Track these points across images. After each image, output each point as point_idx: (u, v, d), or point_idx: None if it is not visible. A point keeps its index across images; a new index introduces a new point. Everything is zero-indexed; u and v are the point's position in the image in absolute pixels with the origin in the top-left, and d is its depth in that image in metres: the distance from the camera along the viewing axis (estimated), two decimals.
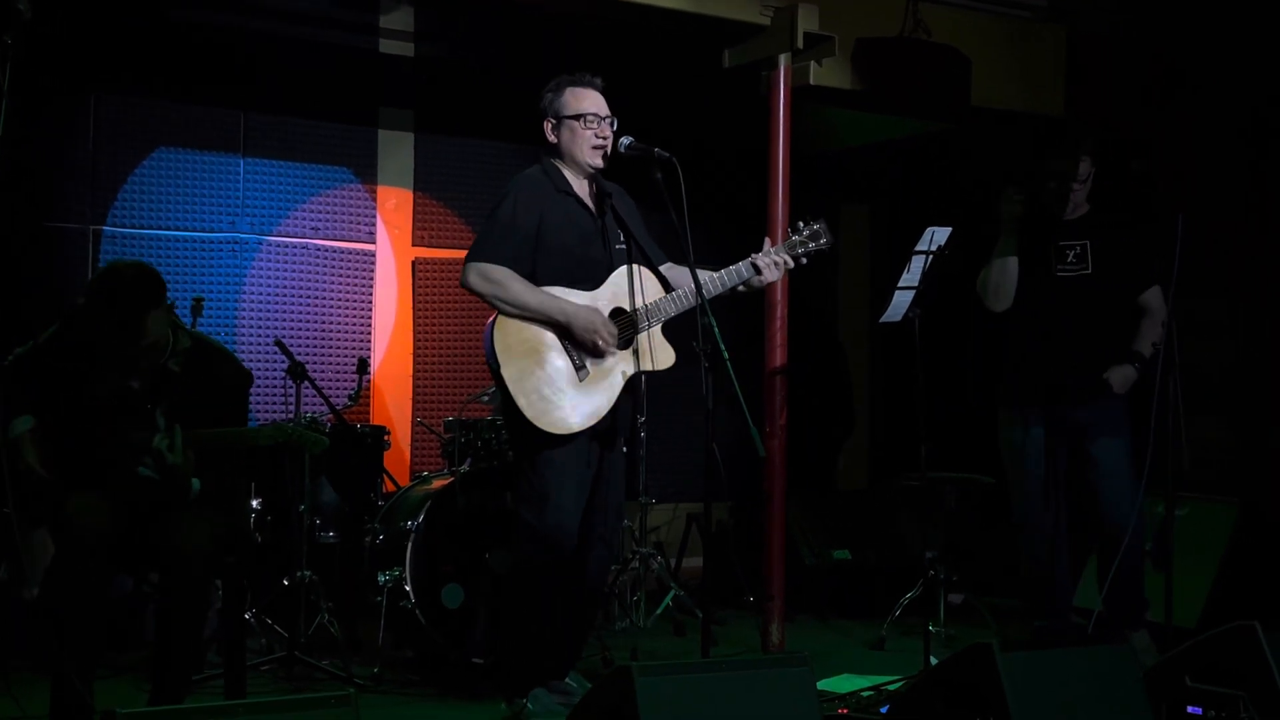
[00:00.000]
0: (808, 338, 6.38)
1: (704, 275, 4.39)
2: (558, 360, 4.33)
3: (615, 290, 4.46)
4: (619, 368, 4.41)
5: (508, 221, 4.36)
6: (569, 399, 4.31)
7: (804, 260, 4.58)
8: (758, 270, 4.50)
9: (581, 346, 4.33)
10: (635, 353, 4.44)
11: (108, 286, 4.06)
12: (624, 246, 4.52)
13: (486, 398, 5.75)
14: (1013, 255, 5.22)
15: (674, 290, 4.51)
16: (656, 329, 4.49)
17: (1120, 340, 5.22)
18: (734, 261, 4.53)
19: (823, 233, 4.58)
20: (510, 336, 4.30)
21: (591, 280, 4.42)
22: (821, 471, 8.09)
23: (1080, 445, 5.21)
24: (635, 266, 4.50)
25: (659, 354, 4.50)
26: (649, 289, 4.51)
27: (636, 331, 4.44)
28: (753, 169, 5.91)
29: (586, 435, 4.38)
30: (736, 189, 6.79)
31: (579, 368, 4.34)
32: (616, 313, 4.44)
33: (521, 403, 4.27)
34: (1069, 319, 5.18)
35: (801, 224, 4.60)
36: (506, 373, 4.28)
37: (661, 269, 4.60)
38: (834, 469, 8.30)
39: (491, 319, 4.33)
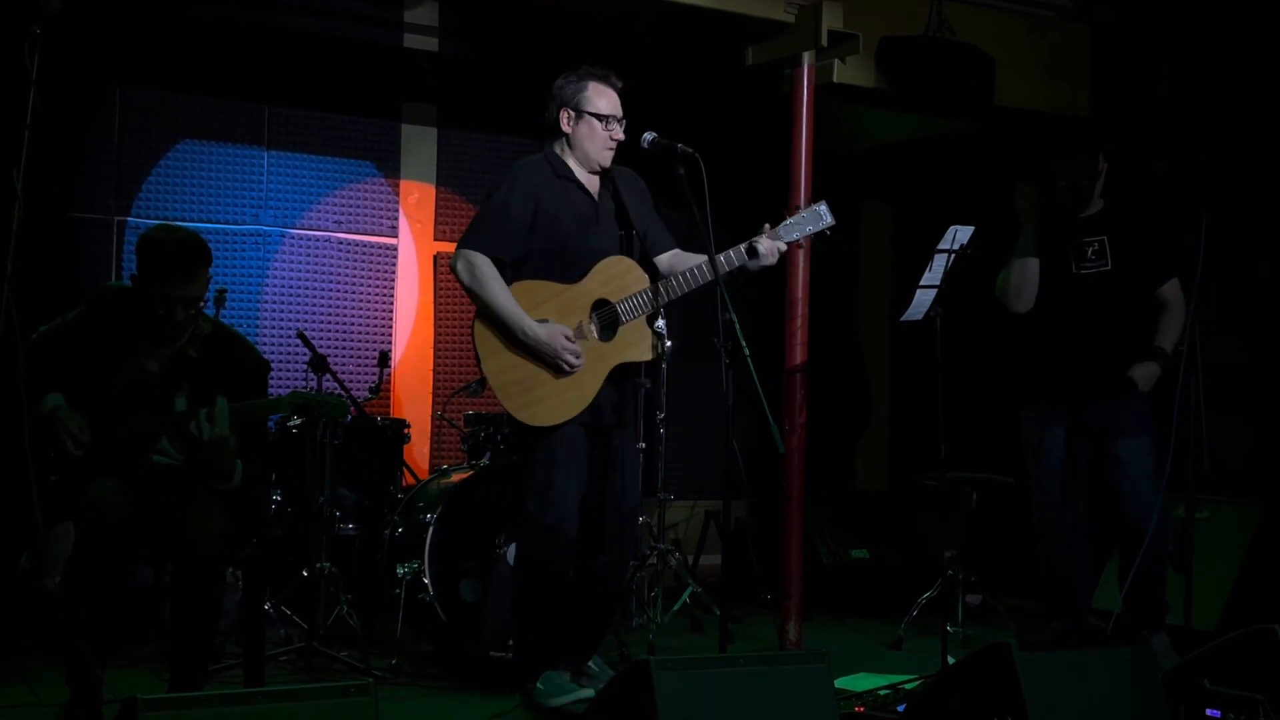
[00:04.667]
0: (828, 336, 6.36)
1: (695, 258, 4.44)
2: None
3: (601, 280, 4.47)
4: (601, 359, 4.43)
5: (501, 208, 4.39)
6: (548, 391, 4.35)
7: (801, 244, 4.58)
8: (754, 253, 4.44)
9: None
10: (619, 344, 4.46)
11: (171, 234, 4.12)
12: (625, 233, 4.54)
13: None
14: (1033, 256, 5.20)
15: (664, 279, 4.49)
16: (641, 320, 4.49)
17: (1142, 337, 5.19)
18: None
19: (822, 214, 4.51)
20: (491, 331, 4.34)
21: (582, 267, 4.44)
22: (840, 470, 8.08)
23: (1103, 445, 5.18)
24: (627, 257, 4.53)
25: (639, 346, 4.50)
26: (635, 280, 4.50)
27: (621, 322, 4.45)
28: (775, 167, 5.90)
29: (579, 426, 4.42)
30: (759, 187, 6.78)
31: None
32: (599, 304, 4.46)
33: (503, 397, 4.33)
34: (1090, 317, 5.16)
35: (798, 206, 4.61)
36: (487, 367, 4.33)
37: (668, 254, 4.61)
38: (853, 468, 8.29)
39: (475, 313, 4.38)
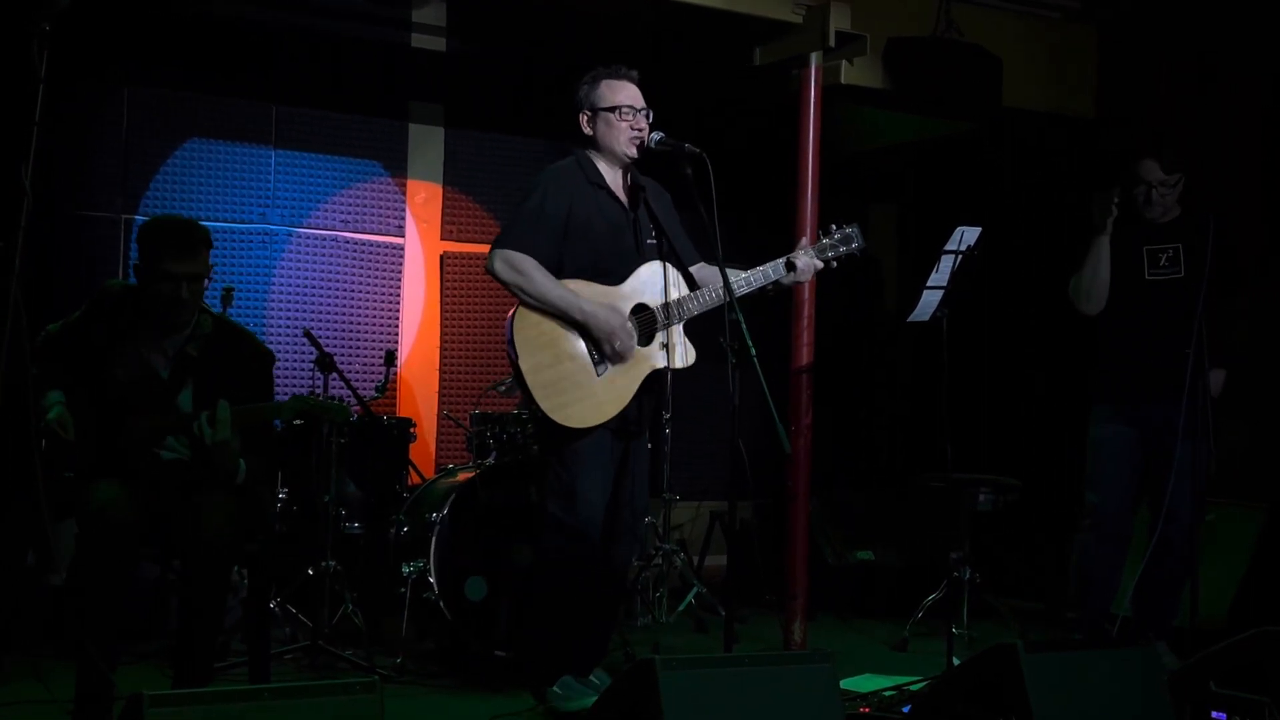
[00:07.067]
0: (834, 337, 6.35)
1: (733, 274, 4.38)
2: (576, 355, 4.32)
3: (640, 285, 4.45)
4: (638, 365, 4.40)
5: (536, 211, 4.37)
6: (585, 394, 4.31)
7: (834, 264, 4.57)
8: (792, 268, 4.48)
9: (597, 346, 4.34)
10: (655, 350, 4.43)
11: (168, 217, 4.23)
12: (655, 242, 4.52)
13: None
14: (1105, 260, 5.19)
15: (700, 289, 4.49)
16: (678, 327, 4.48)
17: (1211, 344, 5.11)
18: (760, 260, 4.51)
19: (854, 236, 4.56)
20: (530, 329, 4.30)
21: (618, 274, 4.42)
22: (846, 471, 8.07)
23: (1163, 446, 5.13)
24: (664, 263, 4.50)
25: (680, 352, 4.48)
26: (673, 287, 4.49)
27: (657, 328, 4.43)
28: (782, 167, 5.90)
29: (607, 430, 4.39)
30: (765, 187, 6.78)
31: (597, 363, 4.34)
32: (638, 309, 4.43)
33: (538, 396, 4.27)
34: (1160, 323, 5.12)
35: (834, 226, 4.58)
36: (524, 365, 4.28)
37: (692, 269, 4.58)
38: (858, 468, 8.28)
39: (513, 310, 4.35)
